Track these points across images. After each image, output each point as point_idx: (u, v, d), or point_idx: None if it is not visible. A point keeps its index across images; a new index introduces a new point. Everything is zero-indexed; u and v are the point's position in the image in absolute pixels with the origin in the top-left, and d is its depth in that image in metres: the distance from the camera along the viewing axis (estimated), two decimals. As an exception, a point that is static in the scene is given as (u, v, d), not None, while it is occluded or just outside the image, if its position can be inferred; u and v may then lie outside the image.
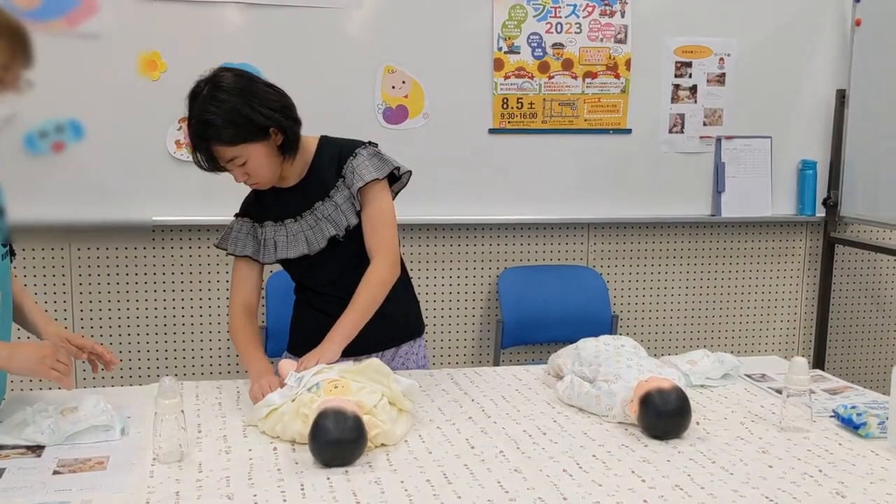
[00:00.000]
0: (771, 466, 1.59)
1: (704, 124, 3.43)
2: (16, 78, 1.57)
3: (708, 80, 3.40)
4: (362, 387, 1.70)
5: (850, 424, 1.77)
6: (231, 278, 2.13)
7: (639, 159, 3.38)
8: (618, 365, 1.88)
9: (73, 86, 2.93)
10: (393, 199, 2.07)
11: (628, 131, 3.36)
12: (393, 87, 3.18)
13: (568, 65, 3.28)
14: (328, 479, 1.52)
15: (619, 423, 1.80)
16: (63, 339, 1.88)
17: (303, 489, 1.48)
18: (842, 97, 3.43)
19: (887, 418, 1.73)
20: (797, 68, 3.45)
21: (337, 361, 1.88)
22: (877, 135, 3.30)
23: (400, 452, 1.65)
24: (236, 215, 2.14)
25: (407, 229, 3.28)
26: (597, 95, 3.32)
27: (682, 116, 3.40)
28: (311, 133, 2.08)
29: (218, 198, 3.07)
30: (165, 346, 3.19)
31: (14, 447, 1.64)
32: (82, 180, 2.98)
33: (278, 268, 3.15)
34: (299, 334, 2.17)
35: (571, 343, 3.45)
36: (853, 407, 1.81)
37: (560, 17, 3.25)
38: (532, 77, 3.26)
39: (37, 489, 1.47)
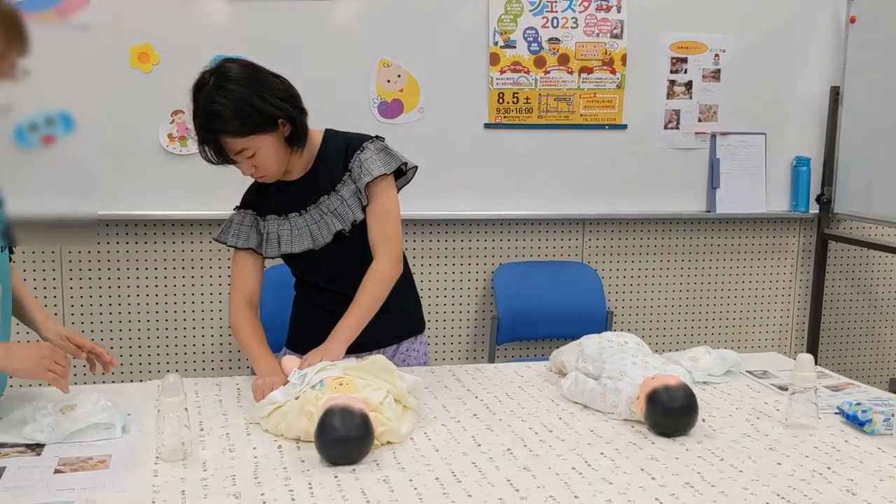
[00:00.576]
0: (780, 464, 1.58)
1: (699, 120, 3.42)
2: (11, 66, 1.54)
3: (703, 76, 3.40)
4: (367, 384, 1.68)
5: (856, 421, 1.77)
6: (232, 272, 2.10)
7: (634, 155, 3.37)
8: (622, 362, 1.87)
9: (64, 78, 2.88)
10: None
11: (624, 127, 3.36)
12: (388, 81, 3.16)
13: (564, 60, 3.27)
14: (336, 477, 1.50)
15: (625, 420, 1.79)
16: (63, 338, 1.85)
17: (311, 488, 1.46)
18: (836, 94, 3.44)
19: (892, 415, 1.74)
20: (792, 65, 3.46)
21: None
22: (870, 132, 3.32)
23: (406, 450, 1.63)
24: (237, 208, 2.11)
25: (402, 224, 3.24)
26: (592, 91, 3.31)
27: (677, 112, 3.40)
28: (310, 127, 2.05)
29: (212, 192, 3.04)
30: (158, 343, 3.16)
31: (13, 445, 1.61)
32: (73, 174, 2.94)
33: (274, 262, 3.15)
34: (299, 330, 2.15)
35: (566, 339, 3.46)
36: (858, 404, 1.81)
37: (556, 11, 3.23)
38: (528, 72, 3.25)
39: (39, 488, 1.44)
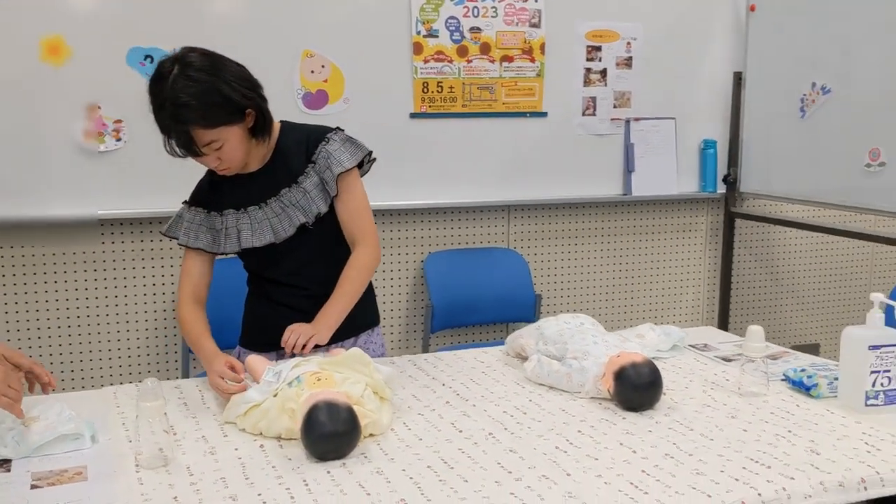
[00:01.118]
0: (745, 430, 1.68)
1: (614, 106, 3.54)
2: None
3: (617, 64, 3.52)
4: (346, 377, 1.68)
5: (802, 387, 1.89)
6: (181, 269, 2.04)
7: (554, 142, 3.46)
8: (584, 342, 1.94)
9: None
10: None
11: (544, 114, 3.43)
12: (312, 72, 3.12)
13: (485, 49, 3.31)
14: (328, 472, 1.50)
15: (592, 398, 1.86)
16: (1, 356, 1.72)
17: (306, 484, 1.45)
18: (738, 79, 3.62)
19: (835, 379, 1.87)
20: (697, 52, 3.62)
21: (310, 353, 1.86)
22: (771, 115, 3.51)
23: (390, 441, 1.64)
24: (186, 203, 2.04)
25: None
26: (514, 79, 3.37)
27: (594, 99, 3.50)
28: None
29: (135, 189, 2.94)
30: (82, 350, 3.03)
31: (-24, 463, 1.53)
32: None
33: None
34: (255, 327, 2.11)
35: (498, 325, 3.53)
36: (802, 370, 1.93)
37: (476, 0, 3.27)
38: (451, 61, 3.28)
39: (19, 506, 1.38)
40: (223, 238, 1.98)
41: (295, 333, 1.82)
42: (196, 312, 1.99)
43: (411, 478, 1.47)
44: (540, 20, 3.37)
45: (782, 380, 1.96)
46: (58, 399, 1.75)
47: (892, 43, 2.95)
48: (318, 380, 1.64)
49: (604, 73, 3.50)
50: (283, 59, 3.08)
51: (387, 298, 3.36)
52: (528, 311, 3.42)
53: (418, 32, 3.22)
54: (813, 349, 3.95)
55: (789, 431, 1.67)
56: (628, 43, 3.51)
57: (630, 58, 3.52)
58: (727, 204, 3.74)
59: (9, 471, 1.51)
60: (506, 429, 1.69)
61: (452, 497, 1.40)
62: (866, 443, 1.61)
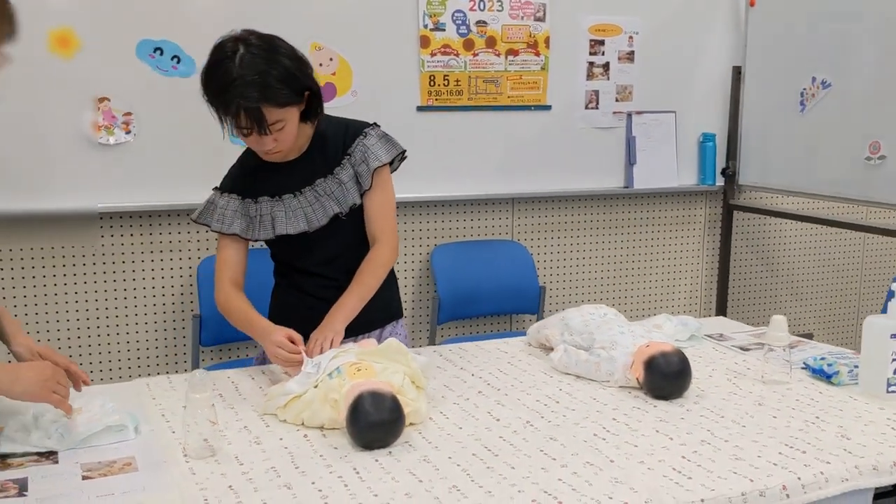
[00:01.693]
0: (774, 417, 1.73)
1: (616, 100, 3.58)
2: (1, 55, 1.46)
3: (619, 58, 3.55)
4: (385, 367, 1.70)
5: (823, 374, 1.94)
6: (217, 257, 2.04)
7: (558, 135, 3.49)
8: (611, 332, 1.97)
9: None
10: None
11: (548, 108, 3.47)
12: (320, 65, 3.13)
13: (491, 42, 3.33)
14: (376, 460, 1.52)
15: (621, 387, 1.89)
16: (35, 353, 1.71)
17: (357, 472, 1.47)
18: (738, 73, 3.68)
19: (855, 366, 1.92)
20: (697, 46, 3.67)
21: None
22: (769, 108, 3.57)
23: (430, 430, 1.67)
24: (218, 190, 2.04)
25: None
26: (518, 73, 3.40)
27: (596, 93, 3.54)
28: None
29: (140, 183, 2.94)
30: (90, 343, 3.02)
31: (24, 455, 1.54)
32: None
33: (209, 253, 3.07)
34: (282, 317, 2.09)
35: (503, 316, 3.56)
36: (822, 358, 1.98)
37: (483, -6, 3.30)
38: (457, 54, 3.30)
39: (75, 497, 1.39)
40: (258, 225, 1.98)
41: (318, 343, 1.82)
42: (239, 296, 2.00)
43: (458, 465, 1.50)
44: (545, 14, 3.40)
45: (802, 368, 2.01)
46: (94, 392, 1.76)
47: (891, 37, 3.02)
48: (358, 370, 1.67)
49: (606, 66, 3.54)
50: (292, 51, 3.08)
51: (394, 290, 3.38)
52: (532, 302, 3.46)
53: (425, 26, 3.24)
54: (807, 338, 4.02)
55: (817, 418, 1.72)
56: (630, 37, 3.55)
57: (632, 52, 3.56)
58: (726, 196, 3.80)
59: (56, 462, 1.52)
60: (542, 417, 1.73)
61: (503, 483, 1.43)
62: (893, 428, 1.67)
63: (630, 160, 3.62)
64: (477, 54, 3.32)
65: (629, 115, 3.60)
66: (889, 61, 3.02)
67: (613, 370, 1.90)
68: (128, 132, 2.94)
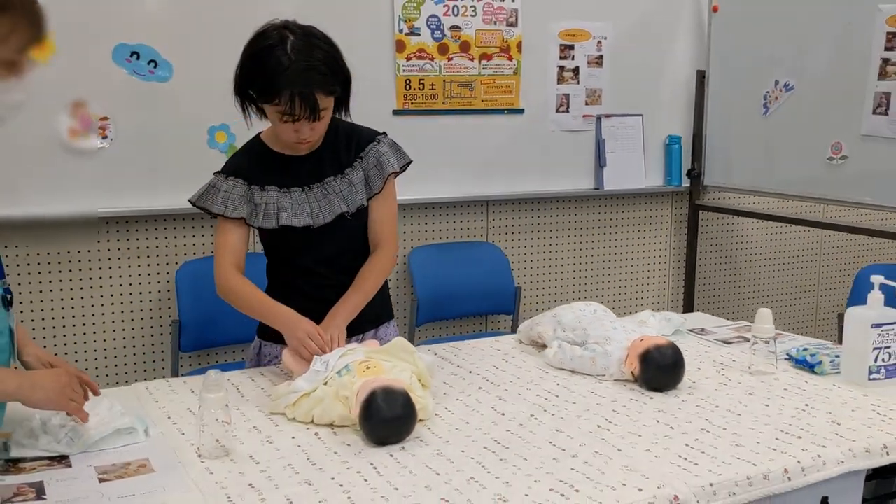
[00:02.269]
0: (766, 405, 1.80)
1: (586, 103, 3.65)
2: (27, 61, 1.45)
3: (588, 62, 3.63)
4: (393, 365, 1.73)
5: (806, 364, 2.03)
6: (217, 241, 2.01)
7: (531, 138, 3.55)
8: (604, 328, 2.03)
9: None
10: None
11: (521, 111, 3.52)
12: (297, 70, 3.13)
13: (465, 47, 3.38)
14: (391, 455, 1.55)
15: (616, 380, 1.95)
16: (45, 363, 1.70)
17: (374, 467, 1.50)
18: (702, 77, 3.78)
19: (837, 356, 2.01)
20: (663, 51, 3.76)
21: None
22: (733, 111, 3.68)
23: (438, 426, 1.70)
24: (222, 174, 2.01)
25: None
26: (492, 77, 3.45)
27: (567, 96, 3.61)
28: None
29: (117, 188, 2.91)
30: (66, 351, 2.98)
31: (34, 459, 1.53)
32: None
33: (187, 259, 3.06)
34: None
35: (479, 317, 3.60)
36: (805, 349, 2.07)
37: None
38: (432, 59, 3.34)
39: (94, 499, 1.39)
40: (262, 213, 1.97)
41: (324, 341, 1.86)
42: (246, 280, 1.98)
43: (472, 458, 1.54)
44: (517, 19, 3.45)
45: (785, 359, 2.09)
46: (98, 396, 1.75)
47: (850, 40, 3.14)
48: (367, 368, 1.69)
49: (576, 71, 3.61)
50: (269, 56, 3.08)
51: (371, 293, 3.40)
52: (508, 302, 3.51)
53: (401, 30, 3.27)
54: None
55: (806, 405, 1.80)
56: (599, 42, 3.63)
57: (601, 56, 3.64)
58: (691, 196, 3.90)
59: (70, 466, 1.51)
60: (545, 411, 1.77)
61: (518, 474, 1.47)
62: (878, 413, 1.75)
63: (600, 162, 3.69)
64: (451, 59, 3.37)
65: (599, 118, 3.68)
66: (849, 64, 3.15)
67: (608, 364, 1.95)
68: (104, 137, 2.91)
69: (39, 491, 1.41)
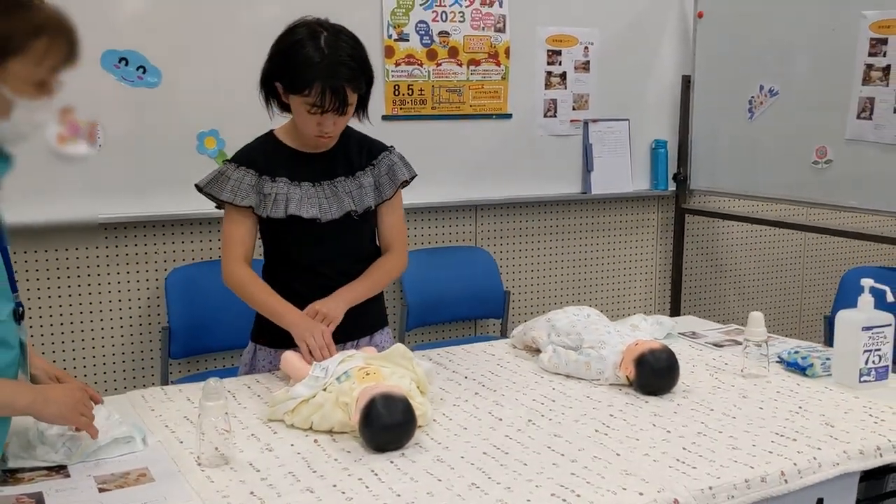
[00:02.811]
0: (761, 408, 1.82)
1: (573, 108, 3.68)
2: (57, 81, 1.45)
3: (575, 68, 3.65)
4: (393, 372, 1.73)
5: (797, 367, 2.05)
6: (225, 231, 2.02)
7: (519, 142, 3.57)
8: (598, 333, 2.04)
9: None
10: None
11: (509, 116, 3.54)
12: (286, 75, 3.13)
13: (454, 52, 3.39)
14: (391, 462, 1.55)
15: (611, 385, 1.96)
16: (52, 377, 1.70)
17: (375, 474, 1.50)
18: (687, 82, 3.82)
19: (827, 359, 2.03)
20: (648, 56, 3.80)
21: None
22: (718, 115, 3.72)
23: (437, 432, 1.70)
24: (233, 162, 2.02)
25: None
26: (480, 82, 3.47)
27: (554, 101, 3.63)
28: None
29: (106, 194, 2.90)
30: (55, 358, 2.96)
31: (32, 470, 1.52)
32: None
33: (176, 265, 3.04)
34: (270, 321, 2.08)
35: (469, 321, 3.61)
36: (796, 352, 2.09)
37: (445, 5, 3.35)
38: (421, 64, 3.35)
39: (98, 509, 1.38)
40: (271, 202, 1.98)
41: (315, 311, 1.92)
42: (254, 274, 2.01)
43: (472, 463, 1.54)
44: (505, 25, 3.47)
45: (777, 361, 2.11)
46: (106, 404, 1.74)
47: (833, 46, 3.18)
48: (367, 374, 1.69)
49: (563, 76, 3.63)
50: (258, 61, 3.07)
51: (361, 298, 3.40)
52: (497, 306, 3.52)
53: (389, 36, 3.28)
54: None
55: (800, 408, 1.82)
56: (586, 47, 3.66)
57: (588, 62, 3.67)
58: (677, 200, 3.93)
59: (68, 476, 1.50)
60: (542, 416, 1.78)
61: (519, 479, 1.48)
62: (870, 414, 1.77)
63: (587, 167, 3.72)
64: (440, 64, 3.38)
65: (586, 123, 3.70)
66: (833, 69, 3.19)
67: (603, 369, 1.96)
68: (93, 143, 2.89)
69: (39, 501, 1.41)
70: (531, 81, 3.56)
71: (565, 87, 3.64)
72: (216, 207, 2.07)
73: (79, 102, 2.87)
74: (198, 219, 3.07)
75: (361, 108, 2.04)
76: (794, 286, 4.41)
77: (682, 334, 2.41)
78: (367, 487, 1.45)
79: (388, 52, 3.28)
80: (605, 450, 1.60)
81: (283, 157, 2.03)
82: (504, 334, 3.45)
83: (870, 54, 3.06)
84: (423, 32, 3.33)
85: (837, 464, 1.57)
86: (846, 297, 2.68)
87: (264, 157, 2.02)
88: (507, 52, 3.49)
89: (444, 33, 3.37)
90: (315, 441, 1.65)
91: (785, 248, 4.35)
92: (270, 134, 2.08)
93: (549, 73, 3.61)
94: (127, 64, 2.90)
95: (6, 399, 1.42)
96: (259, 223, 2.04)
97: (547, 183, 3.66)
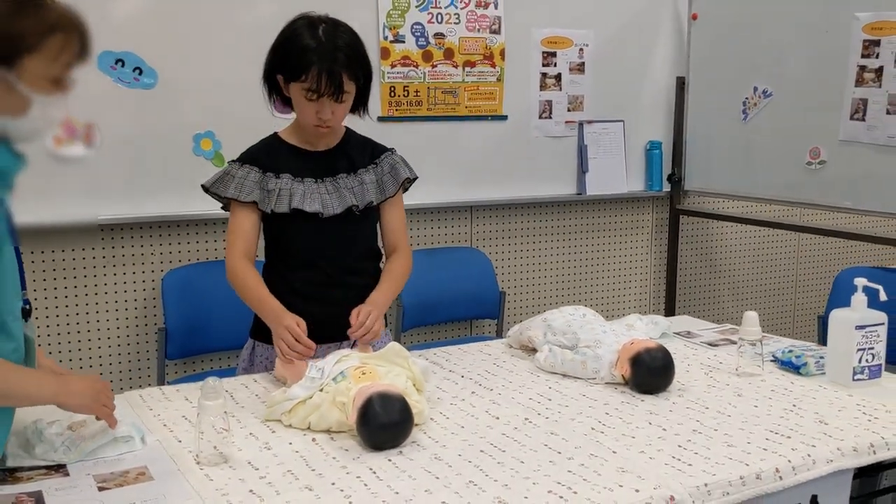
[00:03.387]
0: (755, 406, 1.83)
1: (568, 110, 3.69)
2: (72, 77, 1.46)
3: (570, 69, 3.67)
4: (388, 371, 1.74)
5: (792, 366, 2.06)
6: (230, 227, 2.06)
7: (514, 144, 3.58)
8: (594, 332, 2.06)
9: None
10: None
11: (504, 118, 3.55)
12: (282, 77, 3.14)
13: (449, 54, 3.41)
14: (389, 460, 1.56)
15: (607, 384, 1.98)
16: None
17: (373, 472, 1.51)
18: (682, 84, 3.83)
19: (821, 357, 2.05)
20: (643, 58, 3.81)
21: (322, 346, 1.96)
22: (712, 117, 3.73)
23: (434, 430, 1.71)
24: (238, 162, 2.07)
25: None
26: (475, 84, 3.48)
27: (549, 103, 3.64)
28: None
29: (102, 195, 2.90)
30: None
31: (31, 468, 1.53)
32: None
33: (172, 266, 3.05)
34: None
35: (464, 322, 3.62)
36: (790, 351, 2.11)
37: (440, 7, 3.36)
38: (417, 66, 3.36)
39: (99, 508, 1.39)
40: (275, 197, 2.01)
41: (362, 313, 1.93)
42: (253, 270, 2.04)
43: (470, 461, 1.55)
44: (500, 27, 3.48)
45: (771, 360, 2.13)
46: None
47: (826, 47, 3.20)
48: (363, 374, 1.70)
49: (558, 77, 3.65)
50: (253, 60, 3.08)
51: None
52: (493, 307, 3.53)
53: (385, 38, 3.29)
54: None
55: (794, 406, 1.83)
56: (581, 49, 3.67)
57: (582, 63, 3.68)
58: (672, 201, 3.95)
59: (67, 475, 1.51)
60: (539, 414, 1.79)
61: (516, 477, 1.49)
62: (863, 412, 1.79)
63: (582, 168, 3.73)
64: (436, 66, 3.39)
65: (581, 124, 3.71)
66: (826, 71, 3.21)
67: (599, 368, 1.98)
68: (89, 145, 2.89)
69: (39, 500, 1.41)
70: (526, 83, 3.57)
71: (560, 89, 3.66)
72: (222, 209, 2.10)
73: (75, 104, 2.91)
74: (194, 220, 3.08)
75: (362, 104, 2.06)
76: (789, 286, 4.43)
77: (678, 334, 2.42)
78: (365, 485, 1.46)
79: (384, 53, 3.29)
80: (602, 448, 1.61)
81: (287, 155, 2.07)
82: (500, 335, 3.47)
83: (863, 56, 3.08)
84: (419, 34, 3.34)
85: (831, 461, 1.59)
86: (840, 296, 2.70)
87: (268, 155, 2.07)
88: (502, 53, 3.50)
89: (439, 35, 3.38)
90: (313, 440, 1.66)
91: (779, 248, 4.37)
92: (274, 135, 2.13)
93: (544, 75, 3.62)
94: (123, 65, 2.91)
95: (32, 389, 1.46)
96: (263, 220, 2.07)
97: (542, 184, 3.67)
